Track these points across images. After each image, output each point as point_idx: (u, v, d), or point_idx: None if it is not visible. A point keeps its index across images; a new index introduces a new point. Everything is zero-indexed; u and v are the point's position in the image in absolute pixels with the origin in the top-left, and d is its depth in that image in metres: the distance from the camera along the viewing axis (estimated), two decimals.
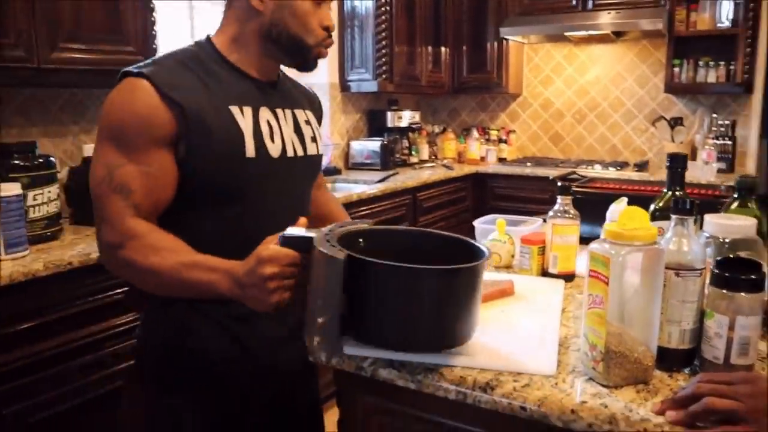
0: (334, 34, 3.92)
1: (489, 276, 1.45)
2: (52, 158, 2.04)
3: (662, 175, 3.64)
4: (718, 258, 0.98)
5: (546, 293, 1.37)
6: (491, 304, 1.29)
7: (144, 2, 2.29)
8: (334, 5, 3.80)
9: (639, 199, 1.29)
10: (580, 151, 4.56)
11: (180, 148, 1.15)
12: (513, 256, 1.63)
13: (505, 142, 4.64)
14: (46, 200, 1.96)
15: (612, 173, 3.83)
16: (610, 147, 4.46)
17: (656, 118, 4.14)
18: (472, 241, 1.09)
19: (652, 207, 1.24)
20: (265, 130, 1.25)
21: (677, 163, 1.20)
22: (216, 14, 3.28)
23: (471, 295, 0.99)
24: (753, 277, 0.93)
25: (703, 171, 3.60)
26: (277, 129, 1.27)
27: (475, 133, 4.61)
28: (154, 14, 2.32)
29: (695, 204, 0.99)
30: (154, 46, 2.33)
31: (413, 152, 4.36)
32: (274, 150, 1.26)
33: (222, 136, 1.17)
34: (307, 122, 1.38)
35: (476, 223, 1.83)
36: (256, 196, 1.24)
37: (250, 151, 1.20)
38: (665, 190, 1.21)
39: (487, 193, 4.22)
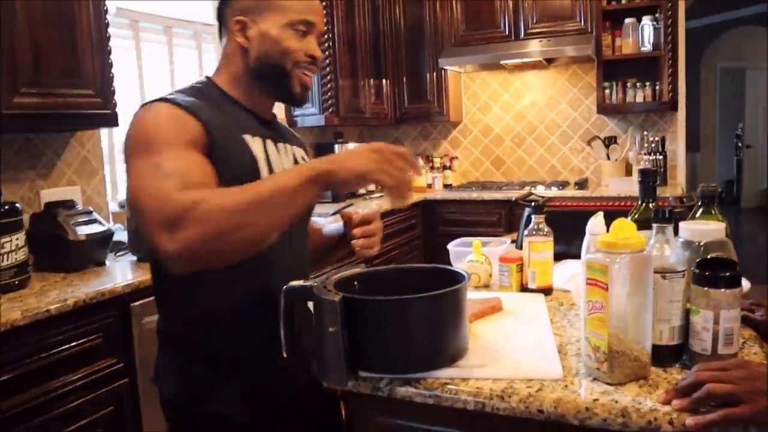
0: None
1: (476, 295, 1.52)
2: (17, 205, 1.99)
3: (602, 191, 3.85)
4: (698, 260, 1.08)
5: (531, 307, 1.45)
6: (485, 320, 1.35)
7: (101, 45, 2.28)
8: None
9: (606, 214, 1.41)
10: (521, 173, 4.75)
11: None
12: (491, 275, 1.70)
13: (449, 168, 4.78)
14: (14, 248, 1.91)
15: (555, 192, 4.01)
16: (549, 168, 4.66)
17: (591, 138, 4.37)
18: (453, 268, 1.21)
19: (629, 218, 1.35)
20: (274, 158, 1.29)
21: (648, 178, 1.31)
22: (163, 55, 3.28)
23: (456, 314, 1.10)
24: (729, 274, 1.04)
25: None
26: (280, 161, 1.32)
27: (420, 161, 4.73)
28: (111, 57, 2.32)
29: (673, 213, 1.09)
30: (112, 88, 2.31)
31: None
32: None
33: (238, 161, 1.20)
34: (303, 158, 1.43)
35: (450, 246, 1.91)
36: None
37: (265, 176, 1.23)
38: (639, 202, 1.31)
39: (437, 219, 4.32)
